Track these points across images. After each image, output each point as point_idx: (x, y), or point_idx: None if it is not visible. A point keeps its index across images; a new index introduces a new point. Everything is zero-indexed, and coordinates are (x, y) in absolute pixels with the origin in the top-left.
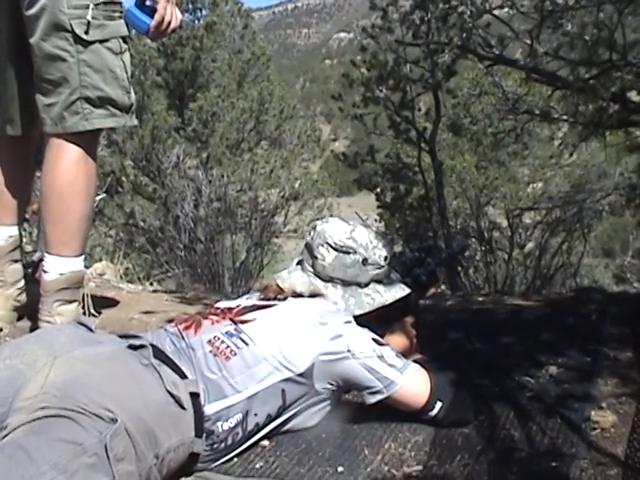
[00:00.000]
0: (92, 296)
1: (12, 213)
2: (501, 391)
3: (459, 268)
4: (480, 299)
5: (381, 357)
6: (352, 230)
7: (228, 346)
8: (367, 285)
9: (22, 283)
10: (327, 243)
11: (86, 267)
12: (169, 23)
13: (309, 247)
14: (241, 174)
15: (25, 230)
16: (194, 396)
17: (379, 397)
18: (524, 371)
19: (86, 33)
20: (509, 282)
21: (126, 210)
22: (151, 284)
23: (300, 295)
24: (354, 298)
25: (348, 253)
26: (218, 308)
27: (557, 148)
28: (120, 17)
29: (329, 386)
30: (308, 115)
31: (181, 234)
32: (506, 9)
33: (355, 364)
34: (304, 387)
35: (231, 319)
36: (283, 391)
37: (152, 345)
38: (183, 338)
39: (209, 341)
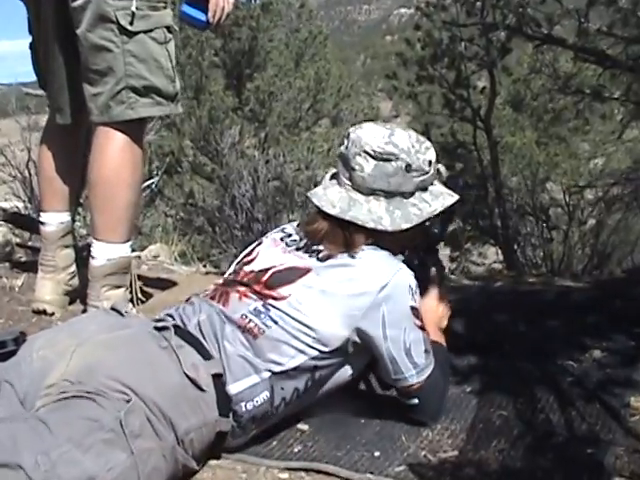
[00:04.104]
0: (145, 278)
1: (63, 199)
2: (543, 375)
3: (515, 246)
4: (531, 280)
5: (408, 353)
6: (390, 134)
7: (256, 324)
8: (412, 194)
9: (73, 268)
10: (365, 151)
11: (142, 249)
12: (223, 8)
13: (344, 158)
14: (298, 153)
15: (79, 214)
16: (216, 377)
17: (388, 381)
18: (567, 355)
19: (131, 24)
20: (566, 260)
21: (185, 190)
22: (204, 266)
23: (341, 223)
24: (400, 210)
25: (389, 160)
26: (248, 272)
27: (619, 123)
28: (164, 7)
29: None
30: (370, 92)
31: (238, 214)
32: None
33: (382, 349)
34: (333, 361)
35: (260, 293)
36: (312, 367)
37: (176, 326)
38: (211, 314)
39: (237, 318)
